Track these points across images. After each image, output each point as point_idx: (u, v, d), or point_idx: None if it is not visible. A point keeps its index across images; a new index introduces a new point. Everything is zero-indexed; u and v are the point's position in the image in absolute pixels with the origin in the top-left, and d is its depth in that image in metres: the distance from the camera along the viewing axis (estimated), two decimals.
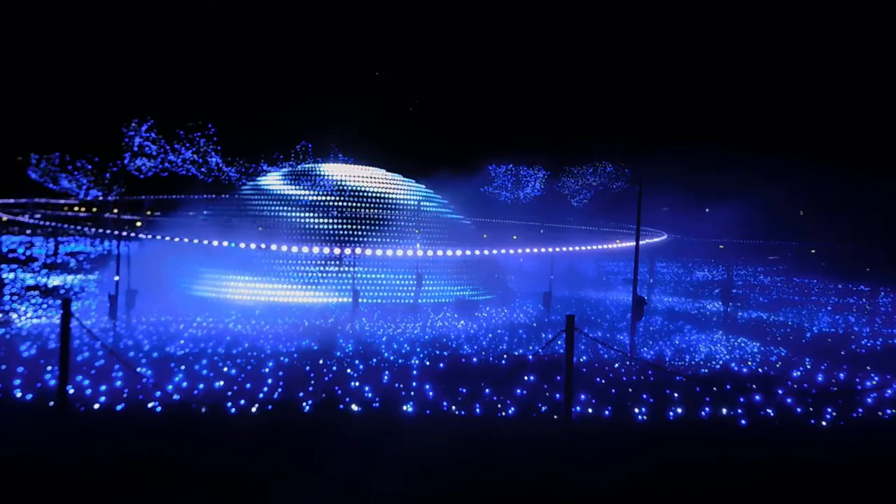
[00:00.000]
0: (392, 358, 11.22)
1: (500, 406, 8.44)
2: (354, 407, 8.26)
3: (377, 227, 19.61)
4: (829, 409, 8.66)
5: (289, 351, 11.58)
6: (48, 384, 8.73)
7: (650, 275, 24.82)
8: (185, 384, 8.99)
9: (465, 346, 12.55)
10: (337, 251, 17.81)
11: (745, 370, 11.10)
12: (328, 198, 20.12)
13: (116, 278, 13.56)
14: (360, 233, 19.31)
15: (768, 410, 8.60)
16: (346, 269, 17.97)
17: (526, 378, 9.53)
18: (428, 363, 10.87)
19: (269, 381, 9.29)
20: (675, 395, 9.13)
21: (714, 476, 6.66)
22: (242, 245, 17.55)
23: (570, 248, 21.89)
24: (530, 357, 10.59)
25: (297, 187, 20.69)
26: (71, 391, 8.06)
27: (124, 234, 14.92)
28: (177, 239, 20.35)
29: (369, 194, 20.55)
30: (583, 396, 8.72)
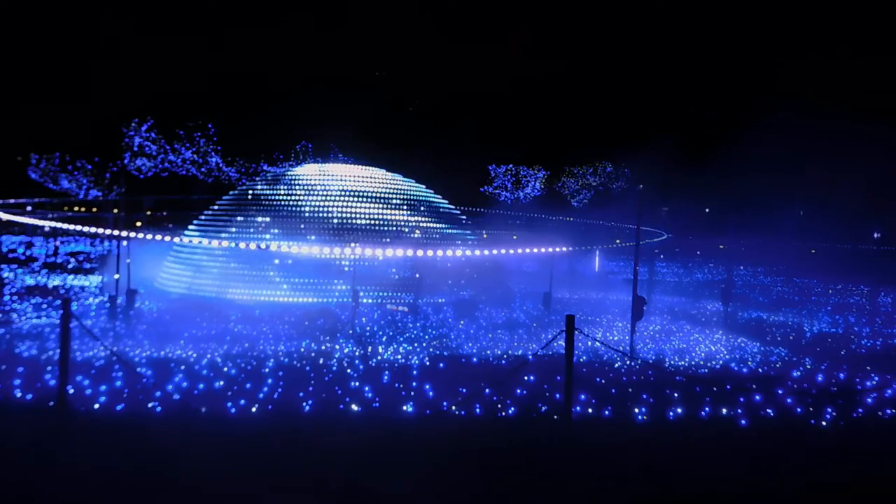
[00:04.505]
0: (392, 358, 11.22)
1: (500, 406, 8.44)
2: (354, 407, 8.26)
3: (377, 228, 19.60)
4: (829, 409, 8.66)
5: (289, 351, 11.58)
6: (48, 384, 8.74)
7: (650, 275, 24.80)
8: (185, 384, 8.99)
9: (465, 346, 12.55)
10: (337, 250, 17.80)
11: (745, 370, 11.10)
12: (328, 197, 20.12)
13: (117, 276, 13.55)
14: (359, 233, 19.30)
15: (768, 410, 8.60)
16: (347, 267, 17.98)
17: (526, 378, 9.53)
18: (428, 363, 10.87)
19: (269, 381, 9.29)
20: (675, 395, 9.13)
21: (714, 476, 6.66)
22: (243, 245, 17.55)
23: (570, 249, 21.89)
24: (530, 357, 10.58)
25: (298, 187, 20.69)
26: (71, 391, 8.06)
27: (124, 233, 14.92)
28: (177, 239, 20.37)
29: (369, 194, 20.55)
30: (583, 396, 8.71)
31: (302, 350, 11.74)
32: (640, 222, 13.22)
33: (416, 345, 12.56)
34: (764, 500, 6.26)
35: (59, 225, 24.90)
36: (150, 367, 9.89)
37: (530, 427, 7.87)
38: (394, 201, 20.69)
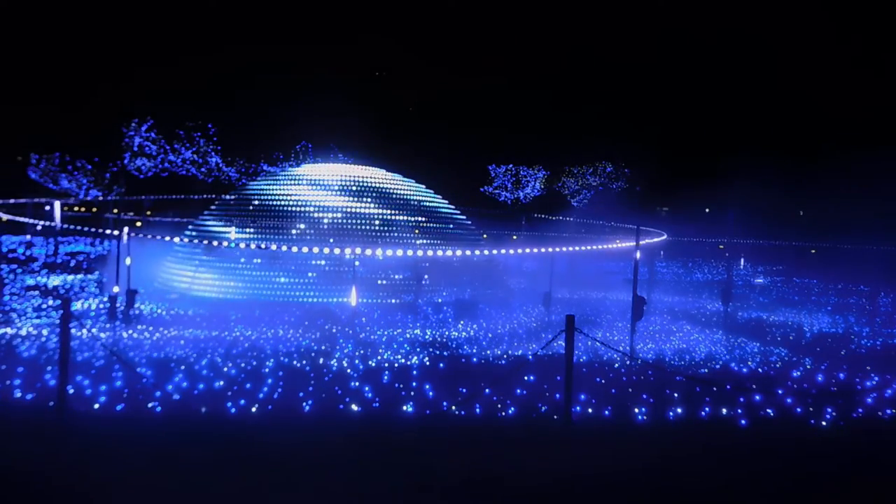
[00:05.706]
0: (392, 358, 11.22)
1: (500, 406, 8.44)
2: (354, 407, 8.26)
3: (377, 228, 19.60)
4: (829, 409, 8.66)
5: (289, 351, 11.58)
6: (48, 384, 8.73)
7: (650, 274, 24.82)
8: (185, 384, 8.98)
9: (464, 346, 12.55)
10: (337, 251, 17.80)
11: (745, 370, 11.10)
12: (328, 197, 20.12)
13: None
14: (360, 233, 19.29)
15: (768, 410, 8.60)
16: (347, 268, 17.98)
17: (526, 378, 9.53)
18: (428, 363, 10.87)
19: (269, 381, 9.29)
20: (675, 395, 9.13)
21: (714, 476, 6.65)
22: (242, 245, 17.56)
23: (570, 248, 21.89)
24: (530, 357, 10.58)
25: (298, 187, 20.70)
26: (71, 391, 8.06)
27: (124, 234, 14.91)
28: (176, 239, 20.37)
29: (368, 194, 20.54)
30: (583, 396, 8.71)
31: (302, 350, 11.73)
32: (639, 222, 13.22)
33: (416, 345, 12.56)
34: (764, 500, 6.26)
35: (63, 225, 24.91)
36: (150, 367, 9.89)
37: (530, 427, 7.87)
38: (393, 201, 20.69)
